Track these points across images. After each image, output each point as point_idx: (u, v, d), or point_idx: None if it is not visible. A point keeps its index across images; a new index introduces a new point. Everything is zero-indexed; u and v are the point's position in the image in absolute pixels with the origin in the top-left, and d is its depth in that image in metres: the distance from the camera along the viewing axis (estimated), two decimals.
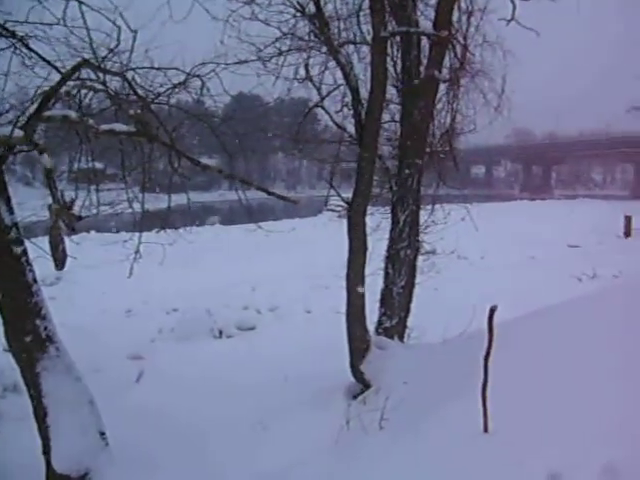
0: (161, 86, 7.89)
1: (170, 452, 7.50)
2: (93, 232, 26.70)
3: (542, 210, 47.15)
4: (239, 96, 16.50)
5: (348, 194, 8.31)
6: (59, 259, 6.50)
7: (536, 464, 4.00)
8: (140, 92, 7.51)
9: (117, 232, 21.76)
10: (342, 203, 8.41)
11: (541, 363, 5.82)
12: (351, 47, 9.18)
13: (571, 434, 4.23)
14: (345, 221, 8.26)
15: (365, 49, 9.10)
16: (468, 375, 6.04)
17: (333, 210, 9.76)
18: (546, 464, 3.96)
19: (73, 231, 6.65)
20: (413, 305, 9.43)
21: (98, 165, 9.25)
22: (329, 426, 7.19)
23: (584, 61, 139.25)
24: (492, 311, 4.77)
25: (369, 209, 8.58)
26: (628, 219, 32.19)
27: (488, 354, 4.77)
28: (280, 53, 8.92)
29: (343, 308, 8.46)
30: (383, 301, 9.21)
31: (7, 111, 6.72)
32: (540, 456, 4.05)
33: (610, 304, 7.71)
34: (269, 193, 7.62)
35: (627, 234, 31.79)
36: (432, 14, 9.21)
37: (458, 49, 9.35)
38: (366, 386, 8.32)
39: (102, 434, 6.73)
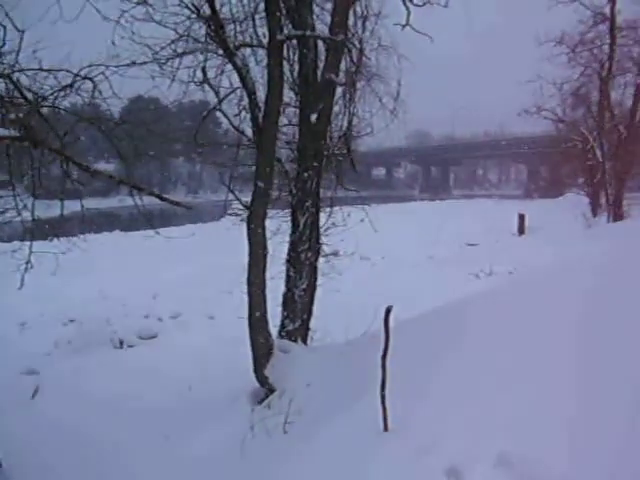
0: (51, 89, 7.62)
1: (70, 471, 7.25)
2: None
3: (441, 210, 48.42)
4: (137, 99, 16.14)
5: (249, 198, 8.26)
6: None
7: (434, 459, 4.09)
8: (28, 95, 7.23)
9: (9, 241, 20.78)
10: (242, 207, 8.37)
11: (439, 360, 5.96)
12: (248, 50, 9.12)
13: (468, 428, 4.35)
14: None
15: (262, 52, 9.07)
16: (370, 375, 6.10)
17: (236, 214, 9.68)
18: (444, 459, 4.05)
19: None
20: (315, 307, 9.45)
21: None
22: (234, 433, 7.14)
23: (479, 65, 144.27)
24: (388, 311, 4.85)
25: (269, 212, 8.57)
26: (522, 217, 33.55)
27: (385, 354, 4.85)
28: (176, 55, 8.75)
29: (246, 313, 8.40)
30: (285, 304, 9.19)
31: None
32: (438, 451, 4.14)
33: (504, 300, 7.99)
34: (162, 199, 7.50)
35: (521, 232, 33.12)
36: (328, 18, 9.29)
37: (354, 53, 9.44)
38: (270, 390, 8.28)
39: None
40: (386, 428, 4.74)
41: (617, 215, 32.63)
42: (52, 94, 7.23)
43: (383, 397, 4.75)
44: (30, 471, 6.92)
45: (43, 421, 8.76)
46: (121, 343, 13.29)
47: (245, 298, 8.35)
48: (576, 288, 6.98)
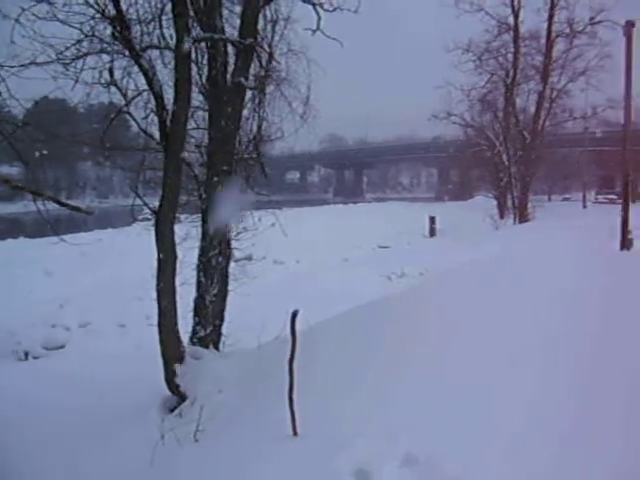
0: None
1: None
2: None
3: (354, 213, 48.97)
4: (42, 100, 15.57)
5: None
6: None
7: (342, 461, 4.11)
8: None
9: None
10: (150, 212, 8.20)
11: (347, 363, 6.00)
12: (156, 52, 8.95)
13: (375, 430, 4.39)
14: None
15: (170, 54, 8.91)
16: (281, 379, 6.09)
17: (147, 219, 9.48)
18: (352, 460, 4.08)
19: None
20: (227, 312, 9.37)
21: None
22: (145, 443, 6.95)
23: (392, 69, 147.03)
24: (294, 315, 4.84)
25: (179, 217, 8.43)
26: (432, 220, 34.40)
27: (292, 358, 4.84)
28: (81, 55, 8.47)
29: (156, 320, 8.23)
30: (196, 310, 9.06)
31: None
32: (346, 453, 4.17)
33: (412, 301, 8.15)
34: (61, 204, 7.24)
35: (432, 234, 33.93)
36: (238, 21, 9.23)
37: (264, 57, 9.41)
38: (182, 398, 8.14)
39: None
40: (295, 432, 4.73)
41: (522, 217, 33.94)
42: None
43: (291, 401, 4.74)
44: None
45: None
46: (26, 354, 12.77)
47: (156, 305, 8.18)
48: (483, 287, 7.21)
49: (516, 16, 34.90)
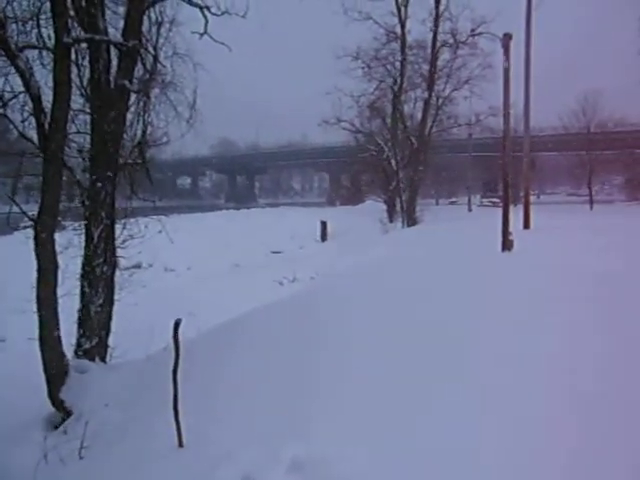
0: None
1: None
2: None
3: (247, 218, 48.71)
4: None
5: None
6: None
7: (229, 470, 4.06)
8: None
9: None
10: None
11: (234, 371, 5.94)
12: (34, 52, 8.55)
13: (261, 435, 4.37)
14: None
15: (49, 55, 8.55)
16: (169, 390, 5.95)
17: (29, 227, 9.03)
18: (238, 469, 4.04)
19: None
20: (113, 323, 9.06)
21: None
22: (26, 463, 6.59)
23: (282, 74, 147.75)
24: (176, 325, 4.72)
25: (61, 225, 8.09)
26: (324, 224, 34.69)
27: (176, 368, 4.73)
28: None
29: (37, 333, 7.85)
30: (81, 321, 8.71)
31: None
32: (232, 462, 4.12)
33: (302, 305, 8.18)
34: None
35: (323, 238, 34.23)
36: (121, 23, 8.98)
37: (148, 60, 9.19)
38: (67, 414, 7.81)
39: None
40: (181, 444, 4.62)
41: (411, 220, 34.84)
42: None
43: (176, 413, 4.62)
44: None
45: None
46: None
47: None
48: (368, 291, 7.32)
49: (403, 26, 35.82)
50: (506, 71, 13.69)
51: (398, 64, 36.74)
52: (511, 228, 12.70)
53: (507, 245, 12.41)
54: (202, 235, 28.49)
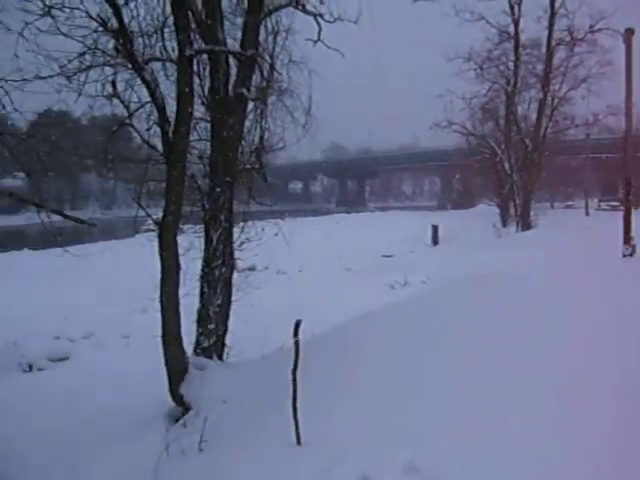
0: None
1: None
2: None
3: (357, 222, 48.90)
4: (46, 113, 15.62)
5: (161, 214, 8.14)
6: None
7: (346, 470, 4.12)
8: None
9: None
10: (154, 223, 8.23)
11: (351, 372, 6.01)
12: (158, 64, 9.01)
13: (378, 437, 4.40)
14: None
15: (172, 66, 8.98)
16: (285, 389, 6.10)
17: (151, 230, 9.51)
18: (356, 468, 4.09)
19: None
20: (231, 323, 9.37)
21: None
22: (148, 454, 6.94)
23: (394, 79, 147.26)
24: (297, 325, 4.85)
25: (182, 228, 8.45)
26: (435, 228, 34.35)
27: (295, 368, 4.85)
28: (84, 69, 8.55)
29: (160, 331, 8.25)
30: (200, 321, 9.07)
31: None
32: (349, 462, 4.17)
33: (418, 309, 8.16)
34: (64, 216, 7.29)
35: (435, 242, 33.89)
36: (239, 33, 9.30)
37: (265, 68, 9.46)
38: (186, 409, 8.16)
39: None
40: (299, 442, 4.74)
41: (525, 224, 33.90)
42: None
43: (295, 411, 4.75)
44: None
45: None
46: (30, 367, 12.76)
47: (159, 316, 8.20)
48: (483, 298, 7.23)
49: (516, 25, 35.02)
50: (628, 67, 13.12)
51: (511, 64, 35.93)
52: (633, 233, 12.14)
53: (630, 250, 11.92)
54: (313, 239, 28.86)
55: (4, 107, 7.90)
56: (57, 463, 7.75)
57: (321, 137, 10.64)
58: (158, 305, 8.20)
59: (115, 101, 8.85)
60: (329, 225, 45.59)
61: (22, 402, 10.23)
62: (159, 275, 8.14)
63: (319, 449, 4.55)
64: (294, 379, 4.79)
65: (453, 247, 28.76)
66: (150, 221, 8.82)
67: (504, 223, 36.33)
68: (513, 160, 35.24)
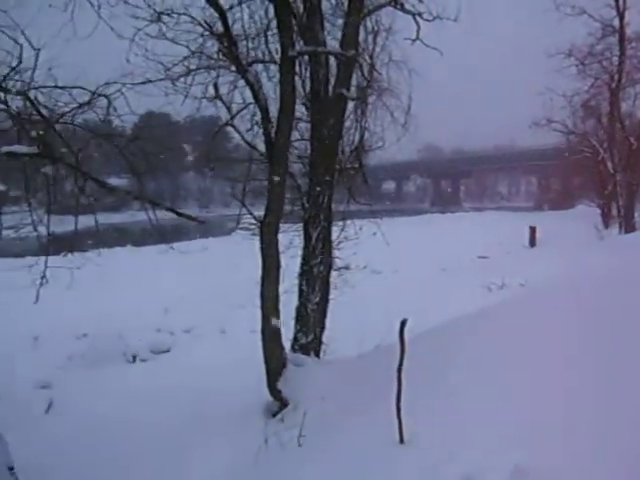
0: (66, 105, 7.71)
1: None
2: None
3: (452, 223, 48.31)
4: (148, 114, 16.27)
5: (261, 212, 8.31)
6: None
7: (450, 470, 4.09)
8: (44, 112, 7.30)
9: (22, 257, 20.89)
10: (255, 221, 8.42)
11: (454, 371, 5.96)
12: (260, 66, 9.24)
13: (483, 439, 4.34)
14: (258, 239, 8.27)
15: (274, 68, 9.18)
16: (383, 388, 6.10)
17: (247, 229, 9.74)
18: (460, 470, 4.05)
19: None
20: (328, 321, 9.48)
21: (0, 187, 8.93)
22: (248, 446, 7.12)
23: (489, 77, 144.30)
24: (402, 324, 4.86)
25: (282, 227, 8.60)
26: (533, 230, 33.43)
27: (401, 365, 4.86)
28: (189, 72, 8.86)
29: (258, 327, 8.43)
30: (298, 318, 9.23)
31: None
32: (454, 462, 4.14)
33: (519, 312, 7.99)
34: (177, 214, 7.55)
35: (532, 244, 33.00)
36: (339, 34, 9.38)
37: (365, 68, 9.51)
38: (284, 404, 8.30)
39: (11, 469, 6.43)
40: (402, 440, 4.75)
41: (629, 226, 32.51)
42: (70, 111, 7.30)
43: (399, 409, 4.76)
44: None
45: (56, 436, 8.79)
46: (134, 357, 13.35)
47: (258, 312, 8.38)
48: (583, 302, 7.00)
49: (621, 18, 33.55)
50: None
51: (615, 59, 34.42)
52: None
53: None
54: (407, 239, 28.65)
55: (115, 109, 8.28)
56: (162, 449, 8.09)
57: (416, 137, 10.60)
58: (256, 301, 8.38)
59: (214, 103, 9.13)
60: (423, 225, 45.27)
61: (127, 391, 10.73)
62: (257, 272, 8.32)
63: (423, 449, 4.54)
64: (399, 377, 4.81)
65: (552, 249, 27.87)
66: (246, 219, 9.04)
67: (606, 225, 34.98)
68: (616, 159, 33.87)
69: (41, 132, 6.70)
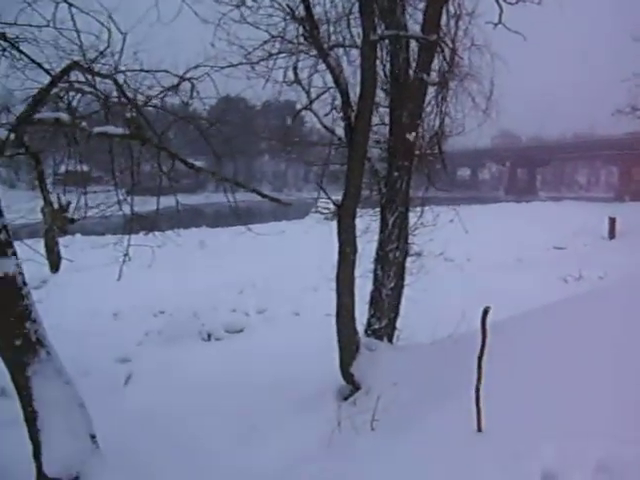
0: (149, 88, 7.89)
1: (162, 456, 7.48)
2: (78, 235, 26.55)
3: (527, 212, 47.29)
4: (226, 99, 16.49)
5: (335, 196, 8.33)
6: (54, 262, 6.47)
7: (531, 463, 4.03)
8: (129, 94, 7.50)
9: (103, 235, 21.66)
10: (329, 205, 8.44)
11: (533, 362, 5.87)
12: (340, 50, 9.20)
13: (565, 432, 4.27)
14: (333, 223, 8.30)
15: (354, 52, 9.15)
16: (458, 376, 6.09)
17: (320, 212, 9.79)
18: (541, 463, 4.00)
19: (65, 234, 6.64)
20: (402, 306, 9.45)
21: (84, 168, 9.22)
22: (320, 428, 7.22)
23: (570, 64, 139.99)
24: (485, 312, 4.81)
25: (358, 211, 8.59)
26: (612, 221, 32.38)
27: (482, 354, 4.81)
28: (269, 56, 8.92)
29: (332, 310, 8.48)
30: (372, 303, 9.23)
31: None
32: (535, 455, 4.08)
33: (600, 304, 7.79)
34: (262, 195, 7.65)
35: (612, 236, 31.97)
36: (420, 18, 9.26)
37: (446, 52, 9.36)
38: (356, 388, 8.35)
39: (93, 437, 6.69)
40: (480, 429, 4.71)
41: None
42: (158, 94, 7.47)
43: (478, 397, 4.72)
44: (125, 455, 7.18)
45: (135, 407, 9.08)
46: (209, 336, 13.63)
47: (331, 295, 8.43)
48: None
49: None
50: None
51: None
52: None
53: None
54: (481, 227, 28.20)
55: (198, 93, 8.44)
56: (238, 424, 8.27)
57: (497, 123, 10.37)
58: (328, 284, 8.43)
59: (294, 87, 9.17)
60: (498, 213, 44.47)
61: (201, 368, 10.99)
62: (331, 255, 8.36)
63: (501, 439, 4.49)
64: (479, 365, 4.76)
65: (633, 242, 26.93)
66: (320, 204, 9.07)
67: None
68: None
69: (134, 114, 6.89)
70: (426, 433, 5.41)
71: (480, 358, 4.79)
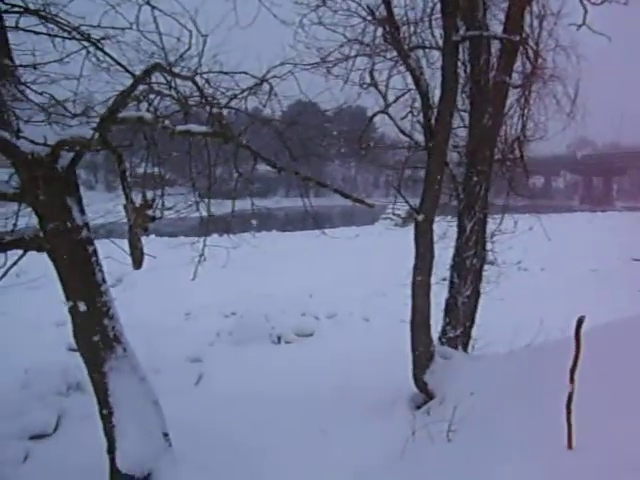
0: (227, 90, 7.92)
1: (230, 457, 7.49)
2: (153, 236, 27.06)
3: (603, 222, 45.98)
4: (298, 103, 16.53)
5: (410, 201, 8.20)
6: (137, 258, 6.54)
7: None
8: (207, 97, 7.54)
9: (176, 236, 22.08)
10: (399, 212, 8.33)
11: (625, 375, 5.56)
12: (419, 52, 9.06)
13: None
14: (402, 229, 8.17)
15: (434, 54, 9.01)
16: (538, 387, 5.87)
17: (390, 218, 9.66)
18: None
19: (146, 231, 6.72)
20: (478, 315, 9.21)
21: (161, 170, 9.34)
22: (394, 436, 7.10)
23: None
24: (580, 322, 4.57)
25: (436, 218, 8.42)
26: None
27: (575, 366, 4.57)
28: (346, 58, 8.87)
29: (403, 316, 8.34)
30: (447, 310, 9.04)
31: (81, 113, 6.79)
32: (633, 475, 3.84)
33: None
34: (345, 195, 7.59)
35: None
36: (500, 17, 9.04)
37: (530, 53, 9.08)
38: (429, 396, 8.17)
39: (165, 435, 6.75)
40: (570, 446, 4.48)
41: None
42: (239, 95, 7.49)
43: (569, 412, 4.48)
44: (198, 453, 7.21)
45: (206, 407, 9.13)
46: (279, 339, 13.66)
47: (401, 301, 8.30)
48: None
49: None
50: None
51: None
52: None
53: None
54: (557, 236, 27.44)
55: (276, 95, 8.42)
56: (308, 427, 8.22)
57: (569, 130, 9.99)
58: (399, 290, 8.28)
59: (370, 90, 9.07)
60: (573, 223, 43.32)
61: (272, 370, 11.01)
62: (400, 261, 8.21)
63: (595, 456, 4.25)
64: (572, 378, 4.52)
65: None
66: (389, 210, 8.93)
67: None
68: None
69: (219, 111, 6.93)
70: (508, 447, 5.18)
71: (572, 370, 4.55)
